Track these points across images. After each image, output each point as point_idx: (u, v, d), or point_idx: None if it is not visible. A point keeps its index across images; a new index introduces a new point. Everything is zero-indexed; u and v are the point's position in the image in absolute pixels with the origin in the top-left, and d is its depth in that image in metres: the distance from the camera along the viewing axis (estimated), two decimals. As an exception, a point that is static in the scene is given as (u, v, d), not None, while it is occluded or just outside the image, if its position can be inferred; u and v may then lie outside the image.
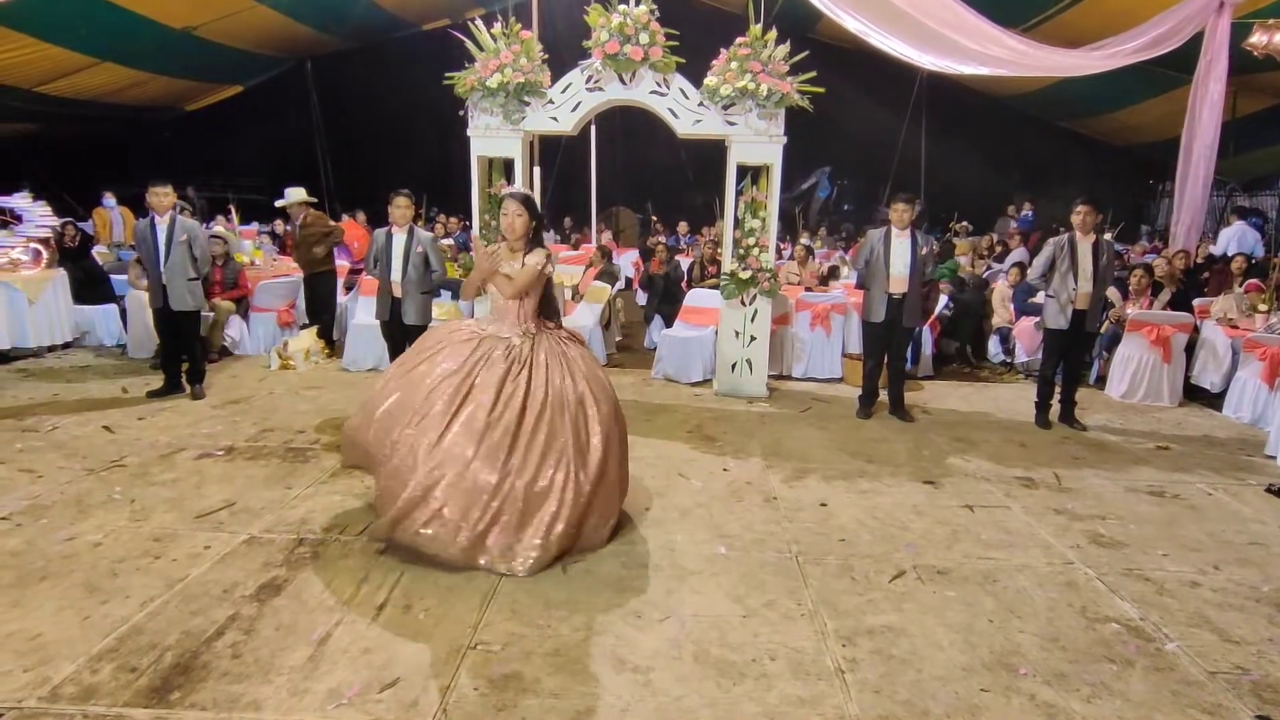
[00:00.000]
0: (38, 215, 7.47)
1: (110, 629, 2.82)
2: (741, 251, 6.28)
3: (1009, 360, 7.89)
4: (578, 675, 2.64)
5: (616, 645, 2.82)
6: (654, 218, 14.78)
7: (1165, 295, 7.35)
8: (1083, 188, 6.52)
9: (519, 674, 2.63)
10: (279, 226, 11.84)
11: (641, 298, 9.59)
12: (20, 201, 7.46)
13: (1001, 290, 8.25)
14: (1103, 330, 7.06)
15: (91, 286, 7.86)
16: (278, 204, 7.44)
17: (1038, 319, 7.33)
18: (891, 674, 2.70)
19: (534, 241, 3.67)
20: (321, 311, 7.71)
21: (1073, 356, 5.90)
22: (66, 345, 7.44)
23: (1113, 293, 6.94)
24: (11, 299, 6.87)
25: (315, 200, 7.78)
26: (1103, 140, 14.89)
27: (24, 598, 3.02)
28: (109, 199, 10.84)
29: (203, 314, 7.22)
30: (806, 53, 5.99)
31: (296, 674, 2.60)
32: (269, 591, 3.13)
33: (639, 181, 15.43)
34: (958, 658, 2.81)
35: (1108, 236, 5.90)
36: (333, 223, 7.49)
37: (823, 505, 4.21)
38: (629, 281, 11.63)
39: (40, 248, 7.33)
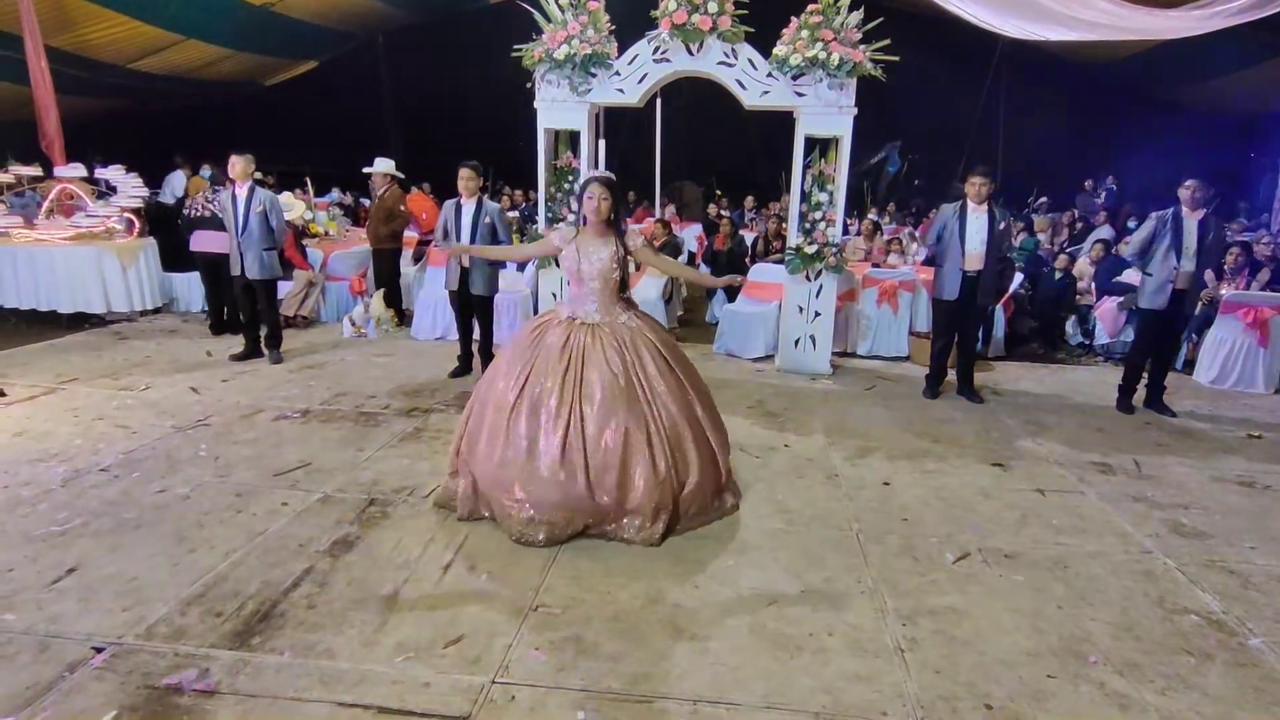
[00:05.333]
0: (130, 187, 7.87)
1: (197, 576, 3.00)
2: (808, 226, 6.16)
3: (1087, 342, 7.55)
4: (636, 641, 2.68)
5: (674, 614, 2.85)
6: (718, 191, 14.60)
7: (1264, 275, 6.91)
8: (1176, 162, 6.13)
9: (579, 637, 2.69)
10: (345, 199, 12.16)
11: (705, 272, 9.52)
12: (115, 173, 7.87)
13: (1081, 268, 7.89)
14: (1194, 311, 6.68)
15: (179, 255, 8.25)
16: (365, 170, 7.70)
17: (1121, 299, 7.00)
18: (953, 655, 2.66)
19: (619, 224, 3.64)
20: (381, 282, 7.91)
21: (1166, 339, 5.60)
22: (156, 310, 7.85)
23: (1206, 272, 6.54)
24: (108, 266, 7.28)
25: (401, 176, 7.94)
26: (1199, 110, 13.96)
27: (121, 543, 3.24)
28: (204, 169, 11.29)
29: (309, 281, 7.63)
30: (881, 19, 5.79)
31: (367, 626, 2.72)
32: (342, 547, 3.27)
33: (704, 155, 15.23)
34: (1023, 642, 2.74)
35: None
36: (402, 208, 7.67)
37: (885, 484, 4.14)
38: (691, 256, 11.55)
39: (133, 217, 7.72)
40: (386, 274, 7.90)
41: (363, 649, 2.59)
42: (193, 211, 7.16)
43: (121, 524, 3.41)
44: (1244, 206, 13.00)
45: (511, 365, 3.53)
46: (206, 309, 7.54)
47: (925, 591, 3.07)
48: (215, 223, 6.94)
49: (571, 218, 6.39)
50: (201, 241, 7.08)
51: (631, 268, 3.93)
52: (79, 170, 7.82)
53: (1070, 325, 7.73)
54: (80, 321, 7.31)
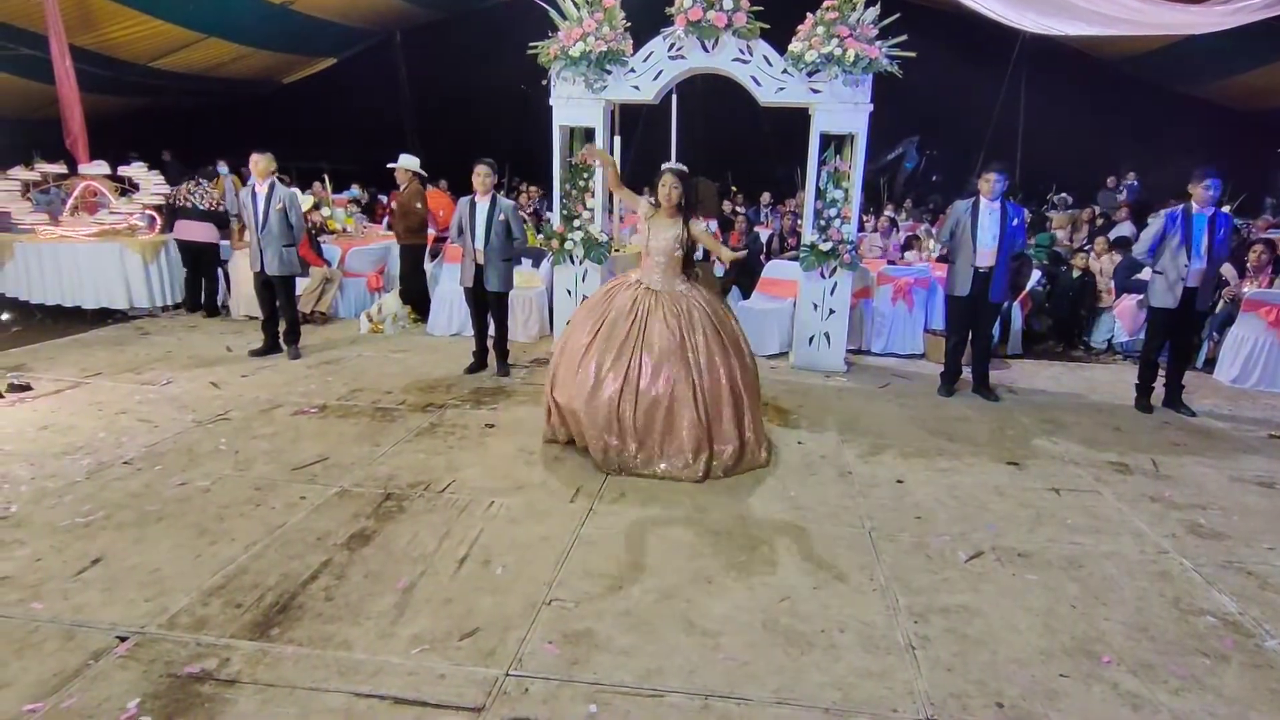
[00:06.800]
0: (152, 184, 7.97)
1: (218, 568, 3.06)
2: (823, 223, 6.15)
3: (1106, 338, 7.47)
4: (648, 635, 2.70)
5: (687, 609, 2.87)
6: (733, 188, 14.56)
7: (1288, 273, 6.80)
8: (1201, 157, 6.06)
9: (591, 631, 2.72)
10: (363, 197, 12.24)
11: (719, 268, 9.51)
12: (137, 171, 7.98)
13: (1094, 264, 7.81)
14: (1216, 310, 6.61)
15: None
16: (389, 165, 7.83)
17: (1140, 297, 6.93)
18: (965, 653, 2.66)
19: (686, 210, 4.28)
20: (400, 280, 7.98)
21: (1181, 337, 5.54)
22: (177, 306, 7.96)
23: (1228, 269, 6.47)
24: (130, 262, 7.39)
25: (424, 175, 7.99)
26: (1225, 105, 13.73)
27: (144, 535, 3.30)
28: (222, 166, 11.43)
29: (326, 278, 7.77)
30: (898, 15, 5.76)
31: (383, 618, 2.76)
32: (358, 541, 3.31)
33: (720, 151, 15.19)
34: (1036, 642, 2.74)
35: (1226, 209, 5.48)
36: (418, 205, 7.73)
37: (899, 482, 4.13)
38: (706, 252, 11.52)
39: (155, 214, 7.83)
40: (405, 269, 7.96)
41: (379, 641, 2.63)
42: (176, 202, 7.57)
43: (144, 516, 3.47)
44: (1270, 203, 12.79)
45: (589, 315, 4.25)
46: (185, 296, 7.89)
47: (937, 589, 3.07)
48: (197, 213, 7.52)
49: (586, 214, 6.43)
50: (184, 231, 7.54)
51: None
52: (102, 167, 7.93)
53: (1088, 323, 7.66)
54: (104, 317, 7.43)
